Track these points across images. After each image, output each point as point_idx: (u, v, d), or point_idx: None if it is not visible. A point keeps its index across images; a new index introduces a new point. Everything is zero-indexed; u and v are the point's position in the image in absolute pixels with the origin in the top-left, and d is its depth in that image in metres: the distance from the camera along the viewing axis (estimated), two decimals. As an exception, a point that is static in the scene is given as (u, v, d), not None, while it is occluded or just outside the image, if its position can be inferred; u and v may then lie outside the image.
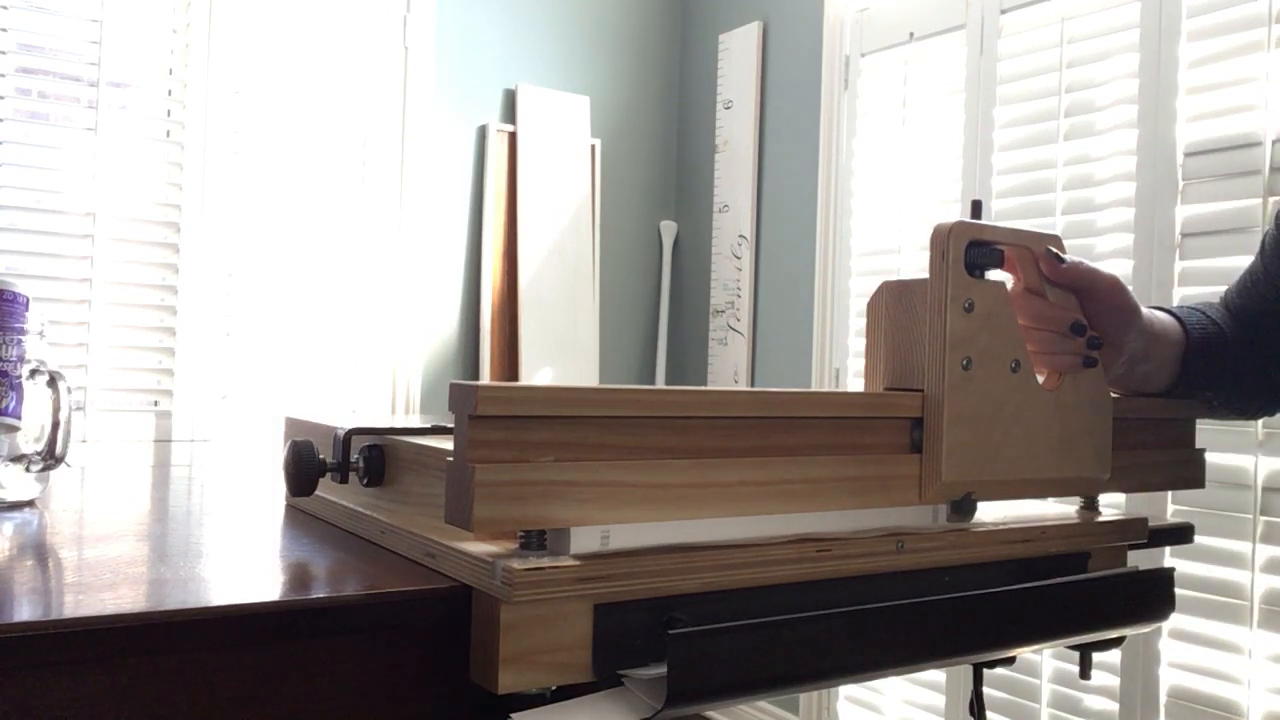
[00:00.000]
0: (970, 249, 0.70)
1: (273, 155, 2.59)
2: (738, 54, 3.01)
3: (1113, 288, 0.79)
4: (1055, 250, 0.77)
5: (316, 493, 0.74)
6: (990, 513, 0.80)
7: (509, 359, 2.87)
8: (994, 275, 0.73)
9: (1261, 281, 0.92)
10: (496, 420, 0.53)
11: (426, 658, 0.57)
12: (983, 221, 0.72)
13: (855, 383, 2.58)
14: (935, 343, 0.69)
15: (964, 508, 0.73)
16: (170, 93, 2.48)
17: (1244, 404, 0.92)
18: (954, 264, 0.69)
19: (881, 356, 0.73)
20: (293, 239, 2.61)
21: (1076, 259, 0.77)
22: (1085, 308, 0.78)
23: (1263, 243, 0.93)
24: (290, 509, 0.84)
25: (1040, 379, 0.75)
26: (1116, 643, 0.82)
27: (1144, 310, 0.83)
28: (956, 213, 2.31)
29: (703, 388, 0.61)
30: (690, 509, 0.59)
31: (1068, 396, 0.75)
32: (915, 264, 2.43)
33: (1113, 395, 0.81)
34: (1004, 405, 0.71)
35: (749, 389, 0.69)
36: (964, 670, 2.21)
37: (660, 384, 3.12)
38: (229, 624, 0.51)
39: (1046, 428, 0.73)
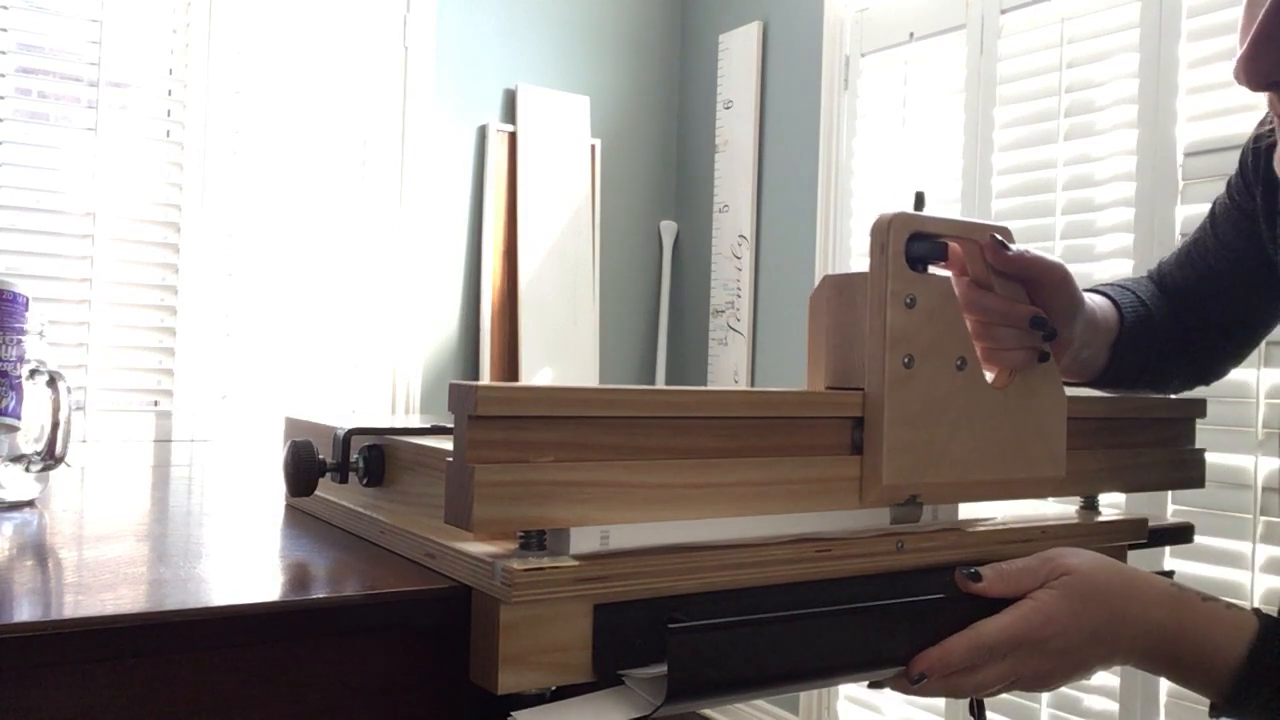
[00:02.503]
0: (912, 242, 0.67)
1: (273, 155, 2.59)
2: (738, 54, 3.01)
3: (1063, 277, 0.75)
4: (1001, 239, 0.72)
5: (316, 493, 0.74)
6: (990, 513, 0.80)
7: (509, 359, 2.87)
8: (938, 270, 0.71)
9: (1212, 250, 0.92)
10: (496, 420, 0.53)
11: (426, 658, 0.57)
12: (926, 214, 0.70)
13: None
14: (875, 340, 0.66)
15: (909, 512, 0.70)
16: (170, 93, 2.48)
17: (1165, 385, 0.93)
18: (894, 258, 0.66)
19: (823, 354, 0.71)
20: (293, 239, 2.61)
21: (1023, 248, 0.73)
22: (1033, 299, 0.74)
23: (1212, 211, 0.93)
24: (290, 509, 0.84)
25: (990, 376, 0.72)
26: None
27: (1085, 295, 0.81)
28: (958, 213, 2.31)
29: (703, 388, 0.61)
30: (690, 509, 0.59)
31: (1019, 394, 0.72)
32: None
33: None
34: (949, 404, 0.68)
35: (734, 389, 0.68)
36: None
37: (660, 384, 3.12)
38: (229, 624, 0.51)
39: (996, 427, 0.70)
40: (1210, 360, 0.95)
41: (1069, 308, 0.76)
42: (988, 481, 0.70)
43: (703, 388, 0.62)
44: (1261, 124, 0.86)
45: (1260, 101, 0.85)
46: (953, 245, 0.72)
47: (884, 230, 0.67)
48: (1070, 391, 0.86)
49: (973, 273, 0.74)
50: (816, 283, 2.92)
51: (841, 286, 0.70)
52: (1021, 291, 0.74)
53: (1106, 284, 0.92)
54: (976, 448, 0.69)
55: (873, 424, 0.66)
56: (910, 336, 0.66)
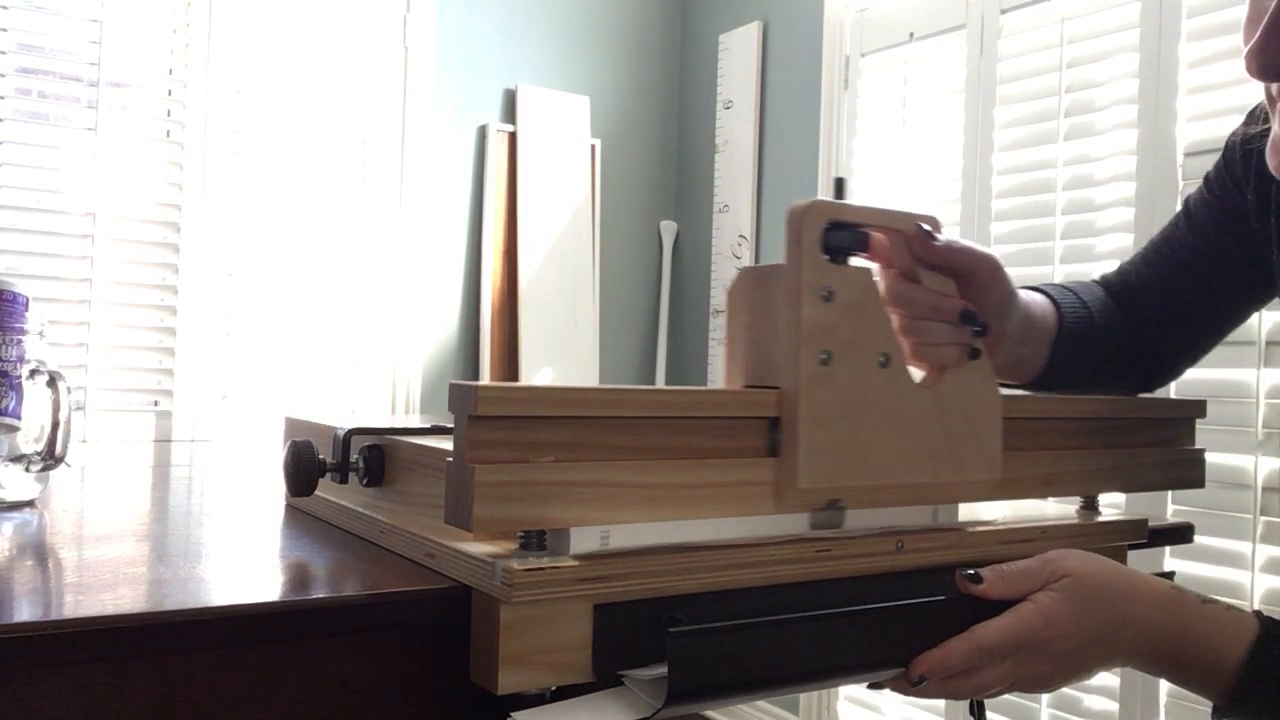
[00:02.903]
0: (831, 231, 0.63)
1: (273, 155, 2.59)
2: (738, 54, 3.01)
3: (994, 269, 0.71)
4: (928, 228, 0.68)
5: (316, 493, 0.74)
6: (990, 513, 0.80)
7: (509, 359, 2.87)
8: (861, 261, 0.67)
9: (1185, 245, 0.91)
10: (496, 420, 0.53)
11: (426, 658, 0.57)
12: (846, 201, 0.66)
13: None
14: (790, 335, 0.62)
15: (830, 517, 0.66)
16: (170, 93, 2.48)
17: (1111, 385, 0.91)
18: (809, 248, 0.62)
19: (740, 350, 0.67)
20: (293, 239, 2.61)
21: (951, 238, 0.70)
22: (964, 292, 0.71)
23: (1186, 206, 0.92)
24: (290, 509, 0.84)
25: (919, 374, 0.68)
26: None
27: (1019, 291, 0.79)
28: (958, 213, 2.31)
29: (703, 388, 0.61)
30: (690, 509, 0.59)
31: (949, 393, 0.68)
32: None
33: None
34: (872, 404, 0.64)
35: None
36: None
37: (660, 384, 3.12)
38: (229, 624, 0.51)
39: (924, 428, 0.66)
40: (1166, 359, 0.93)
41: (1002, 302, 0.73)
42: (916, 485, 0.67)
43: (703, 387, 0.62)
44: (1250, 122, 0.86)
45: (1250, 100, 0.85)
46: (877, 235, 0.68)
47: (798, 219, 0.62)
48: (1071, 392, 0.86)
49: (899, 264, 0.70)
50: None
51: (759, 279, 0.66)
52: (951, 285, 0.70)
53: (1045, 285, 0.89)
54: (903, 449, 0.66)
55: (788, 425, 0.62)
56: (828, 332, 0.62)
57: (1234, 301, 0.92)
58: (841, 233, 0.64)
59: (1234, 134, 0.89)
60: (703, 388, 0.62)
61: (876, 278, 0.68)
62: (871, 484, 0.65)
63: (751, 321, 0.66)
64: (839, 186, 0.73)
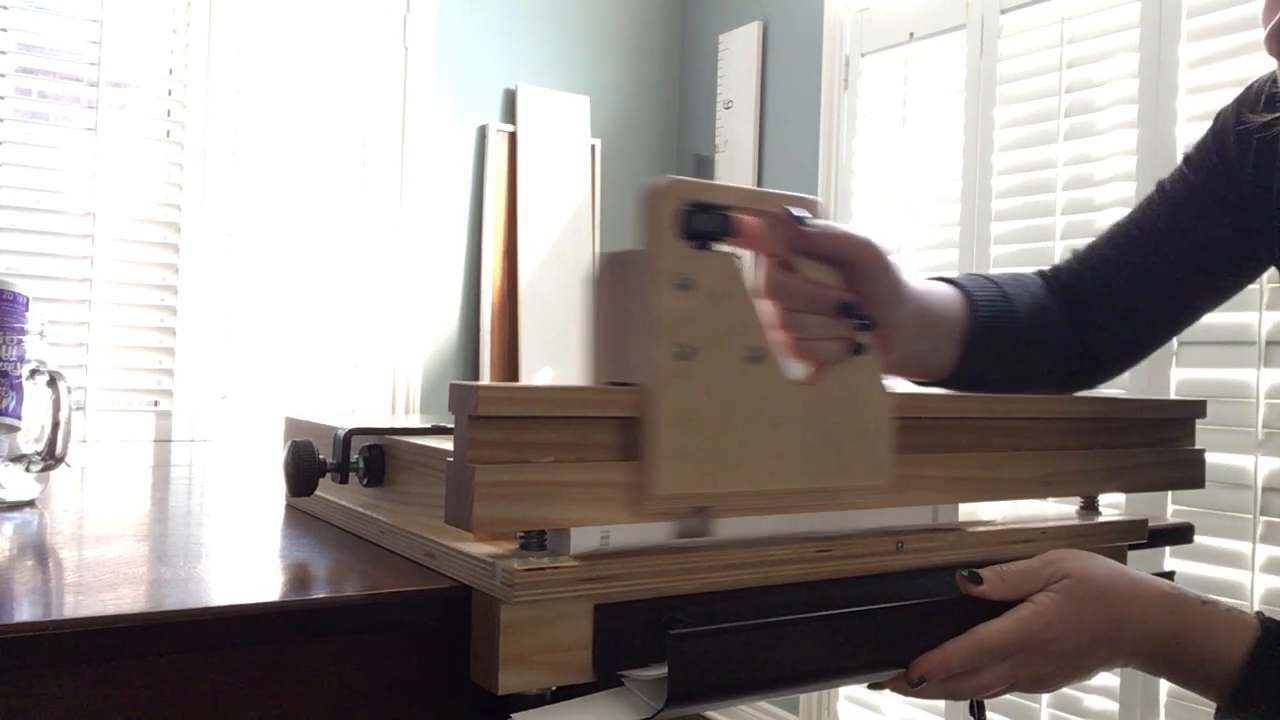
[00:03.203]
0: (692, 214, 0.58)
1: (273, 155, 2.59)
2: (738, 54, 3.01)
3: (877, 257, 0.66)
4: (797, 213, 0.62)
5: (316, 493, 0.74)
6: (989, 514, 0.80)
7: (509, 359, 2.87)
8: (729, 248, 0.61)
9: (1157, 222, 0.86)
10: (496, 420, 0.53)
11: (426, 658, 0.57)
12: (712, 181, 0.60)
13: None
14: (645, 327, 0.57)
15: (696, 525, 0.60)
16: (170, 93, 2.48)
17: (1041, 382, 0.83)
18: (665, 231, 0.57)
19: (602, 344, 0.62)
20: (292, 239, 2.61)
21: (827, 222, 0.64)
22: (847, 283, 0.65)
23: (1160, 186, 0.88)
24: (290, 509, 0.84)
25: (802, 371, 0.63)
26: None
27: (912, 281, 0.73)
28: (957, 213, 2.31)
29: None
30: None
31: (831, 391, 0.63)
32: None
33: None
34: (740, 403, 0.59)
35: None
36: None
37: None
38: (229, 624, 0.51)
39: (801, 429, 0.61)
40: (1110, 352, 0.87)
41: (888, 293, 0.68)
42: (793, 490, 0.62)
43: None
44: (1246, 101, 0.82)
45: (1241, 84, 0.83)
46: (749, 219, 0.62)
47: (652, 200, 0.57)
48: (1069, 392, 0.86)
49: (775, 252, 0.64)
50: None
51: (620, 265, 0.60)
52: (833, 275, 0.65)
53: (963, 275, 0.83)
54: (777, 452, 0.60)
55: (645, 425, 0.57)
56: (687, 323, 0.57)
57: (1204, 288, 0.86)
58: (703, 215, 0.58)
59: (1224, 111, 0.85)
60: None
61: (752, 266, 0.63)
62: (743, 490, 0.60)
63: (612, 311, 0.61)
64: (701, 165, 0.64)
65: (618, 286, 0.60)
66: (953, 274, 0.83)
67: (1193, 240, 0.85)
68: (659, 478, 0.57)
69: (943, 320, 0.77)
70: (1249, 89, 0.83)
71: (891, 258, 0.67)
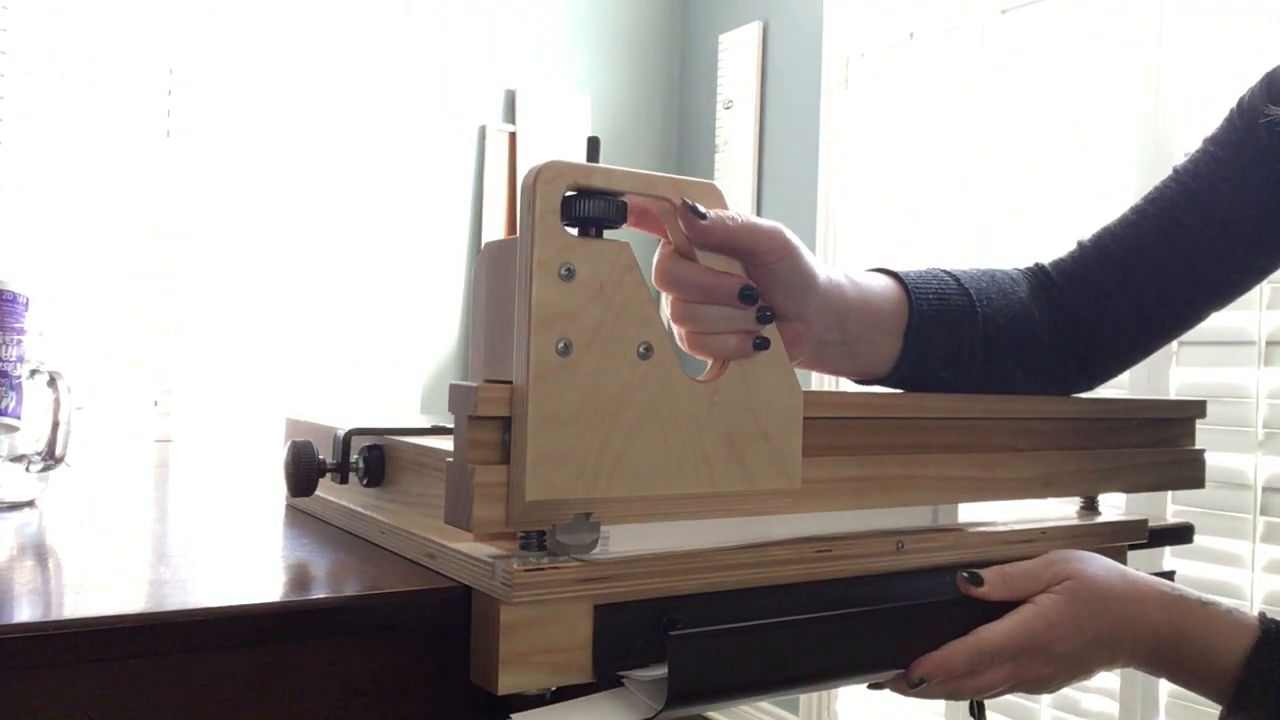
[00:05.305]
0: (578, 199, 0.54)
1: (273, 155, 2.59)
2: (738, 54, 3.01)
3: (782, 245, 0.60)
4: (694, 203, 0.57)
5: (316, 493, 0.74)
6: (989, 514, 0.80)
7: (509, 359, 2.87)
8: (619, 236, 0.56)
9: (1176, 200, 0.80)
10: (496, 421, 0.53)
11: (426, 658, 0.57)
12: (600, 164, 0.56)
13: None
14: (520, 320, 0.53)
15: (580, 534, 0.55)
16: (170, 93, 2.48)
17: (994, 386, 0.76)
18: (543, 217, 0.52)
19: (482, 338, 0.58)
20: (293, 239, 2.62)
21: (727, 212, 0.59)
22: (751, 274, 0.60)
23: (1176, 170, 0.82)
24: (290, 509, 0.84)
25: (706, 368, 0.59)
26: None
27: (833, 273, 0.67)
28: (957, 214, 2.31)
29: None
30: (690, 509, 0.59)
31: (732, 389, 0.58)
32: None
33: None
34: (629, 402, 0.54)
35: None
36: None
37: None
38: (229, 624, 0.51)
39: (698, 430, 0.56)
40: (1104, 347, 0.81)
41: (796, 284, 0.62)
42: (688, 496, 0.57)
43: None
44: (1272, 90, 0.76)
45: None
46: (646, 205, 0.58)
47: (532, 184, 0.52)
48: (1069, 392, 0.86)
49: (675, 240, 0.59)
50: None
51: (498, 255, 0.56)
52: (734, 264, 0.60)
53: (913, 270, 0.76)
54: (670, 455, 0.56)
55: (515, 426, 0.52)
56: (567, 316, 0.52)
57: (1233, 270, 0.79)
58: (589, 201, 0.54)
59: (1250, 95, 0.79)
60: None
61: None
62: (629, 495, 0.55)
63: (492, 304, 0.57)
64: (592, 146, 0.57)
65: (498, 277, 0.57)
66: (910, 269, 0.76)
67: (1216, 215, 0.78)
68: (528, 482, 0.52)
69: (871, 313, 0.69)
70: (1276, 70, 0.77)
71: (803, 248, 0.62)
